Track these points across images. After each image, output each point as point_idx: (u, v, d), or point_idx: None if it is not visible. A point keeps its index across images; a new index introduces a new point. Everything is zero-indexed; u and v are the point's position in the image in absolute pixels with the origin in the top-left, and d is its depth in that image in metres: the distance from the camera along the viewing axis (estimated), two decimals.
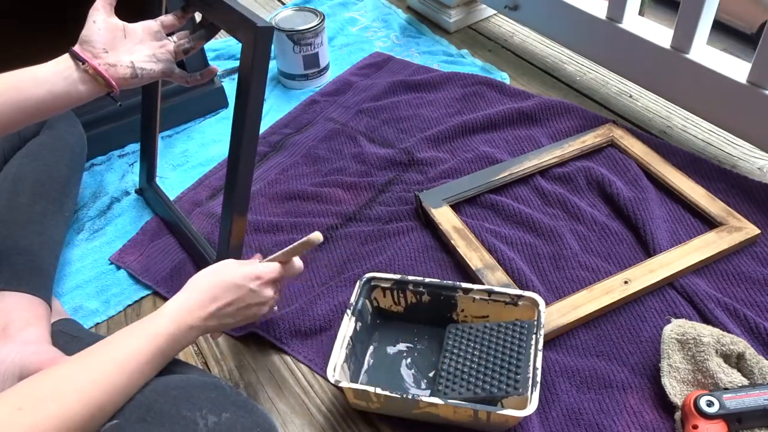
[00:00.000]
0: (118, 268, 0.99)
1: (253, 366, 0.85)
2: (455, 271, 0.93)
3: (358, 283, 0.82)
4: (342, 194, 1.07)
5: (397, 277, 0.83)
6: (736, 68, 1.03)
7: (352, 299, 0.81)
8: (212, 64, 1.08)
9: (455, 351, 0.77)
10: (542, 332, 0.75)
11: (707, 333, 0.76)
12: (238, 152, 0.79)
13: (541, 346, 0.74)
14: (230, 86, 1.33)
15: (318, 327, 0.87)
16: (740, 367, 0.76)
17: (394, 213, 1.03)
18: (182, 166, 1.17)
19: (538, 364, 0.72)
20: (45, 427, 0.51)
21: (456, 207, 1.02)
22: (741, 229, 0.92)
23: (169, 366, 0.63)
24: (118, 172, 1.16)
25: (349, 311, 0.79)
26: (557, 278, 0.91)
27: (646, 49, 1.13)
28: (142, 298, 0.95)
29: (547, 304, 0.85)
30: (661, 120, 1.20)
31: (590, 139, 1.10)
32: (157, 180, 1.10)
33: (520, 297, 0.79)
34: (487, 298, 0.80)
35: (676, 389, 0.74)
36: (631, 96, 1.26)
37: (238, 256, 0.87)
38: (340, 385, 0.72)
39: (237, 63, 1.42)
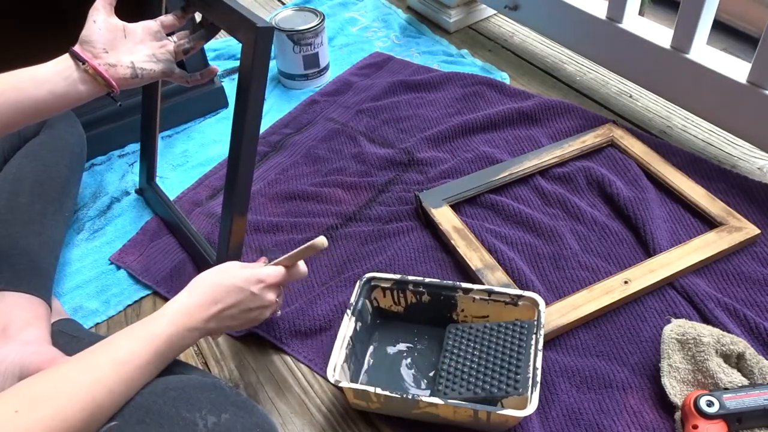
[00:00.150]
0: (118, 268, 0.99)
1: (253, 366, 0.85)
2: (455, 271, 0.93)
3: (358, 283, 0.82)
4: (342, 194, 1.07)
5: (397, 277, 0.83)
6: (736, 68, 1.03)
7: (352, 299, 0.81)
8: (212, 64, 1.08)
9: (455, 351, 0.77)
10: (542, 332, 0.75)
11: (707, 333, 0.76)
12: (238, 152, 0.79)
13: (541, 346, 0.74)
14: (230, 86, 1.33)
15: (318, 327, 0.87)
16: (740, 367, 0.76)
17: (394, 213, 1.03)
18: (182, 166, 1.17)
19: (538, 364, 0.72)
20: (41, 429, 0.51)
21: (456, 207, 1.02)
22: (741, 229, 0.92)
23: (169, 366, 0.63)
24: (118, 172, 1.16)
25: (349, 311, 0.79)
26: (557, 278, 0.91)
27: (646, 49, 1.13)
28: (142, 298, 0.95)
29: (547, 304, 0.85)
30: (661, 120, 1.19)
31: (590, 139, 1.10)
32: (157, 180, 1.10)
33: (520, 297, 0.79)
34: (487, 298, 0.80)
35: (676, 389, 0.74)
36: (631, 96, 1.26)
37: (238, 256, 0.87)
38: (340, 385, 0.72)
39: (237, 63, 1.42)
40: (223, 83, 1.30)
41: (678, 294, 0.87)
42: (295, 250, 0.74)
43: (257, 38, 0.73)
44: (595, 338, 0.83)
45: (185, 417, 0.56)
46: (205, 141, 1.22)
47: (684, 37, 1.06)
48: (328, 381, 0.76)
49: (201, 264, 0.95)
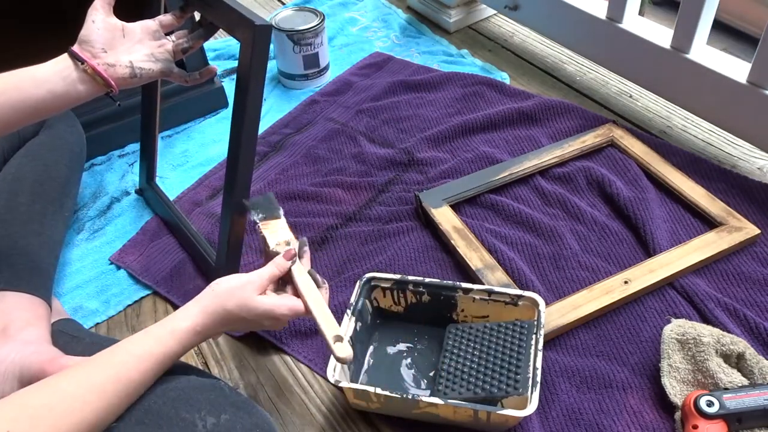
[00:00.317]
0: (118, 268, 0.99)
1: (253, 366, 0.85)
2: (455, 271, 0.93)
3: (358, 283, 0.82)
4: (342, 194, 1.07)
5: (397, 277, 0.83)
6: (736, 68, 1.03)
7: (352, 299, 0.81)
8: (212, 63, 1.08)
9: (455, 351, 0.77)
10: (542, 332, 0.75)
11: (707, 333, 0.76)
12: (237, 151, 0.79)
13: (541, 346, 0.74)
14: (230, 86, 1.33)
15: None
16: (740, 367, 0.76)
17: (394, 213, 1.02)
18: (182, 166, 1.17)
19: (538, 364, 0.72)
20: None
21: (456, 207, 1.01)
22: (741, 229, 0.92)
23: None
24: (118, 172, 1.16)
25: (349, 311, 0.79)
26: (557, 278, 0.91)
27: (646, 49, 1.13)
28: (142, 298, 0.95)
29: (547, 304, 0.85)
30: (661, 120, 1.19)
31: (590, 139, 1.10)
32: (157, 180, 1.10)
33: (520, 297, 0.79)
34: (487, 298, 0.80)
35: (676, 389, 0.74)
36: (631, 96, 1.26)
37: (237, 256, 0.87)
38: (340, 385, 0.72)
39: (237, 63, 1.42)
40: (223, 83, 1.30)
41: (678, 294, 0.87)
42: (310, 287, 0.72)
43: (255, 36, 0.73)
44: (595, 338, 0.83)
45: (184, 418, 0.56)
46: (205, 141, 1.22)
47: (684, 37, 1.06)
48: (328, 381, 0.76)
49: (201, 264, 0.95)
